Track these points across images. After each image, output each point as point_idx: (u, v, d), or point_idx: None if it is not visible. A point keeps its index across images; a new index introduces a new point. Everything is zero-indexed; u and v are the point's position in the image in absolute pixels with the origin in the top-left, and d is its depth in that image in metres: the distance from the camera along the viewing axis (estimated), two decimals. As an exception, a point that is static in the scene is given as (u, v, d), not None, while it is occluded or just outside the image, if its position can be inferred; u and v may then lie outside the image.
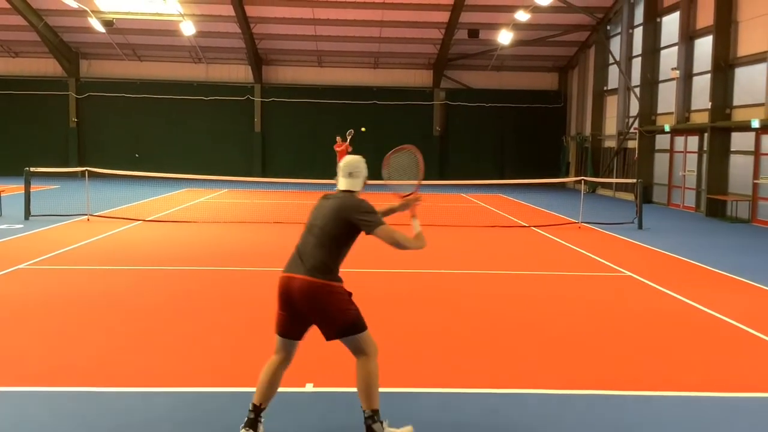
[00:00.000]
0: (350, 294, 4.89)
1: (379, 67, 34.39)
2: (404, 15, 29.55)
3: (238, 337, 7.44)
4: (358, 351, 4.82)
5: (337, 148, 26.43)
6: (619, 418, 5.38)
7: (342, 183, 5.10)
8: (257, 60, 33.19)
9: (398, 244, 4.93)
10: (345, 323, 4.76)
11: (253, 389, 4.95)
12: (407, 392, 5.87)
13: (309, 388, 5.89)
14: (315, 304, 4.77)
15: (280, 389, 4.99)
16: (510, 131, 34.70)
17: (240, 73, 34.15)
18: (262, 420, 4.92)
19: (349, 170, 5.10)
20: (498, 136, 34.68)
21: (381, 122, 33.81)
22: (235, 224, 16.88)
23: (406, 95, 34.29)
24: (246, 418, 4.88)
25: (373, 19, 29.82)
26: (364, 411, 4.79)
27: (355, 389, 4.85)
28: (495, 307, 9.02)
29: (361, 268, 11.48)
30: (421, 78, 34.53)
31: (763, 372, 6.61)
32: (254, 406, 4.90)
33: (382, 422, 4.80)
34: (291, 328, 4.92)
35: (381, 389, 4.90)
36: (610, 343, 7.48)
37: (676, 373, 6.45)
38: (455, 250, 13.60)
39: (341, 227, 4.87)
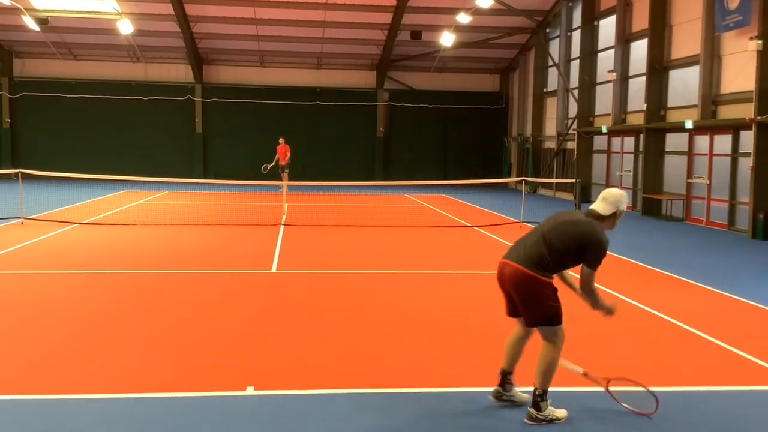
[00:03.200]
0: (556, 290, 5.26)
1: (323, 67, 34.27)
2: (347, 16, 29.51)
3: (171, 341, 7.29)
4: (548, 339, 5.26)
5: (279, 150, 26.23)
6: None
7: (597, 205, 5.44)
8: (197, 60, 32.68)
9: (585, 289, 5.34)
10: (545, 316, 5.21)
11: (190, 394, 4.85)
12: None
13: (250, 391, 5.80)
14: (521, 292, 5.25)
15: (220, 393, 4.90)
16: (453, 132, 34.99)
17: (180, 72, 33.58)
18: (512, 381, 5.56)
19: (606, 197, 5.45)
20: (441, 136, 34.93)
21: (324, 123, 33.73)
22: (175, 226, 16.57)
23: (349, 96, 34.25)
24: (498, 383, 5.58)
25: (315, 19, 29.69)
26: (535, 389, 5.25)
27: (298, 391, 4.96)
28: (435, 307, 9.05)
29: (306, 270, 11.43)
30: (364, 79, 34.55)
31: (698, 366, 6.79)
32: (502, 371, 5.55)
33: (547, 401, 5.23)
34: (512, 307, 5.48)
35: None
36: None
37: (618, 368, 6.57)
38: (398, 251, 13.63)
39: (572, 249, 5.23)
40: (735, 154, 18.16)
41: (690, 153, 20.35)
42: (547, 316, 5.19)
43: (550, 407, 5.25)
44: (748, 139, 17.15)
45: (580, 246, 5.15)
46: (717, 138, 19.04)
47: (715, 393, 6.03)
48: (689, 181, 20.29)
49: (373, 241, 14.88)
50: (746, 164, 17.27)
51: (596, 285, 5.30)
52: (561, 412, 5.28)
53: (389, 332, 7.76)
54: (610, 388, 5.49)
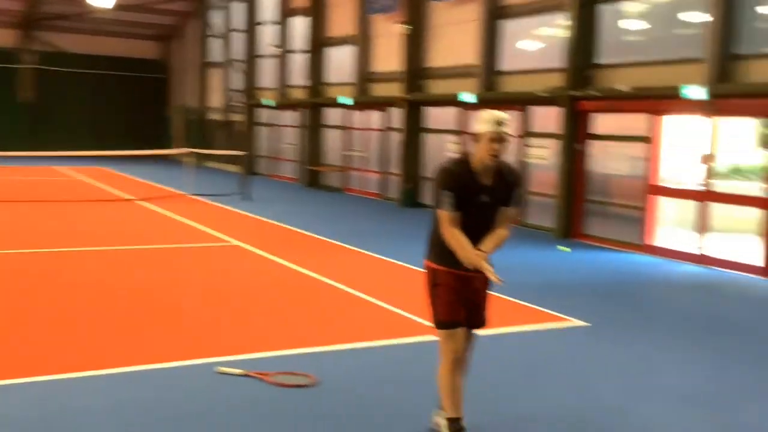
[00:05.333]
0: (437, 276, 4.19)
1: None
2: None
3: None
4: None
5: None
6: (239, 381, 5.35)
7: None
8: None
9: (444, 236, 4.16)
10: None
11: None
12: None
13: None
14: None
15: None
16: (111, 101, 32.77)
17: None
18: None
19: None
20: (98, 105, 32.49)
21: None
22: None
23: (-12, 56, 30.16)
24: None
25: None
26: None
27: None
28: (95, 285, 8.38)
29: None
30: (4, 38, 30.64)
31: (362, 324, 7.20)
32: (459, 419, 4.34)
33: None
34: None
35: None
36: (216, 311, 7.45)
37: (297, 332, 6.68)
38: (50, 228, 12.36)
39: (433, 198, 4.37)
40: (386, 128, 19.73)
41: (347, 127, 21.64)
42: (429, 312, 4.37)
43: None
44: (396, 115, 18.71)
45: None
46: (371, 114, 20.49)
47: (379, 347, 6.43)
48: (347, 153, 21.59)
49: (29, 218, 13.31)
50: (396, 138, 18.85)
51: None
52: None
53: (85, 311, 6.97)
54: (273, 378, 5.39)
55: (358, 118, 21.10)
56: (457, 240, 4.04)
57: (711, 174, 11.34)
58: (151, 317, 7.15)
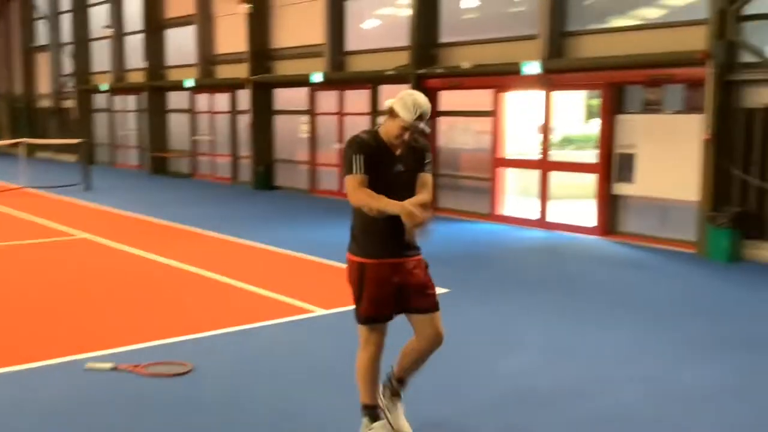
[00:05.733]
0: (360, 267, 3.90)
1: None
2: None
3: None
4: None
5: None
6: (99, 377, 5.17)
7: None
8: None
9: (354, 201, 3.86)
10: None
11: None
12: None
13: None
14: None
15: None
16: None
17: None
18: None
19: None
20: None
21: None
22: None
23: None
24: None
25: None
26: None
27: None
28: (-66, 290, 7.73)
29: None
30: None
31: (231, 308, 7.14)
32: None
33: (370, 418, 4.10)
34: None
35: None
36: (76, 306, 7.12)
37: (164, 321, 6.51)
38: None
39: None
40: (233, 111, 19.38)
41: (192, 111, 21.03)
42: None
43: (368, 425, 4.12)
44: (244, 97, 18.43)
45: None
46: (217, 96, 20.03)
47: (251, 330, 6.41)
48: (194, 138, 21.01)
49: None
50: (244, 121, 18.57)
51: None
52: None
53: None
54: (148, 369, 5.25)
55: (204, 101, 20.57)
56: (370, 196, 3.74)
57: (548, 144, 12.14)
58: (7, 318, 6.71)
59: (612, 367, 5.52)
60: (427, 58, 13.58)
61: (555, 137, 12.51)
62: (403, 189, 3.87)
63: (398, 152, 3.89)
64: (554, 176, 12.12)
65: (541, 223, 12.09)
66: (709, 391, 5.05)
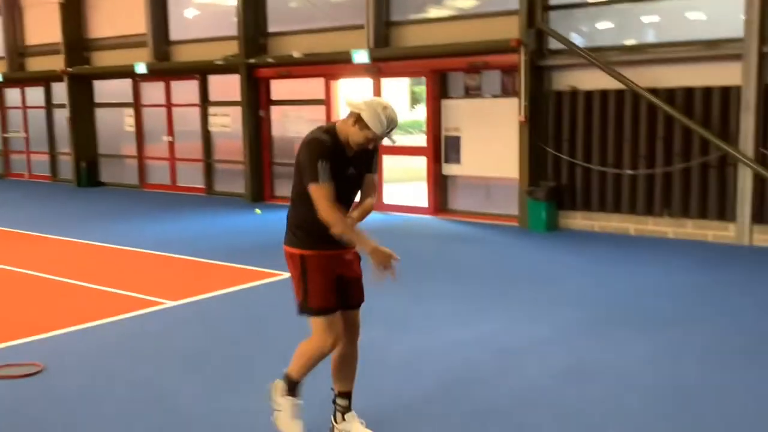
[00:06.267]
0: (308, 262, 3.77)
1: None
2: None
3: None
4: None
5: None
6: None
7: None
8: None
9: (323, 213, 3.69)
10: (297, 299, 3.86)
11: None
12: None
13: None
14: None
15: None
16: None
17: None
18: None
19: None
20: None
21: None
22: None
23: None
24: None
25: None
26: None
27: None
28: None
29: None
30: None
31: (77, 307, 6.91)
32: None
33: (289, 388, 3.95)
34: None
35: None
36: None
37: (5, 325, 6.19)
38: None
39: (296, 176, 3.81)
40: (49, 105, 18.28)
41: (2, 107, 19.60)
42: (298, 299, 3.93)
43: (283, 396, 3.98)
44: (61, 90, 17.41)
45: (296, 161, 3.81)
46: (29, 90, 18.78)
47: (97, 327, 6.27)
48: (5, 135, 19.59)
49: None
50: (62, 115, 17.57)
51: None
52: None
53: None
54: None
55: (16, 95, 19.21)
56: (344, 223, 3.67)
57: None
58: None
59: (454, 331, 6.00)
60: (256, 48, 13.61)
61: (385, 123, 13.02)
62: (351, 191, 3.87)
63: (351, 153, 3.79)
64: (388, 160, 12.64)
65: (378, 205, 12.57)
66: (534, 342, 5.66)
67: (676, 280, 7.57)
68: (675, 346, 5.52)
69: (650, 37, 10.14)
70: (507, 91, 11.07)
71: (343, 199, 3.75)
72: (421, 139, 12.35)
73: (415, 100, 13.95)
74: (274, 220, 12.03)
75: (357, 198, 3.97)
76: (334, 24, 12.87)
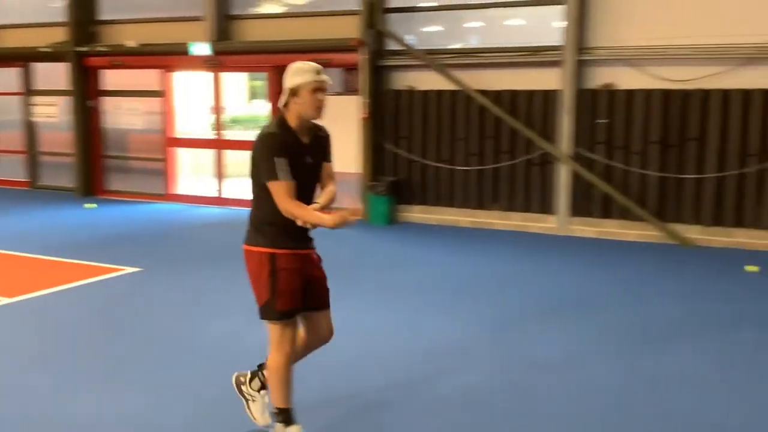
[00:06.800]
0: (276, 261, 3.66)
1: None
2: None
3: None
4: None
5: None
6: None
7: None
8: None
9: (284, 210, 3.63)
10: (260, 301, 3.73)
11: None
12: None
13: None
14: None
15: None
16: None
17: None
18: None
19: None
20: None
21: None
22: None
23: None
24: None
25: None
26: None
27: None
28: None
29: None
30: None
31: None
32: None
33: (285, 423, 3.79)
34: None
35: None
36: None
37: None
38: None
39: (253, 173, 3.72)
40: None
41: None
42: (258, 302, 3.81)
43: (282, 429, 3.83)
44: None
45: (252, 158, 3.72)
46: None
47: None
48: None
49: None
50: None
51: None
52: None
53: None
54: None
55: None
56: (302, 209, 3.60)
57: (219, 124, 12.53)
58: None
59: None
60: (86, 36, 12.99)
61: (226, 117, 12.94)
62: (311, 181, 3.81)
63: (307, 140, 3.73)
64: (228, 155, 12.55)
65: (219, 200, 12.48)
66: (397, 326, 6.00)
67: (505, 267, 8.25)
68: (474, 313, 6.09)
69: (478, 42, 10.90)
70: (349, 89, 11.38)
71: (304, 191, 3.70)
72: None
73: (253, 95, 13.95)
74: (109, 216, 11.64)
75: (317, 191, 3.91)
76: (173, 15, 12.58)
